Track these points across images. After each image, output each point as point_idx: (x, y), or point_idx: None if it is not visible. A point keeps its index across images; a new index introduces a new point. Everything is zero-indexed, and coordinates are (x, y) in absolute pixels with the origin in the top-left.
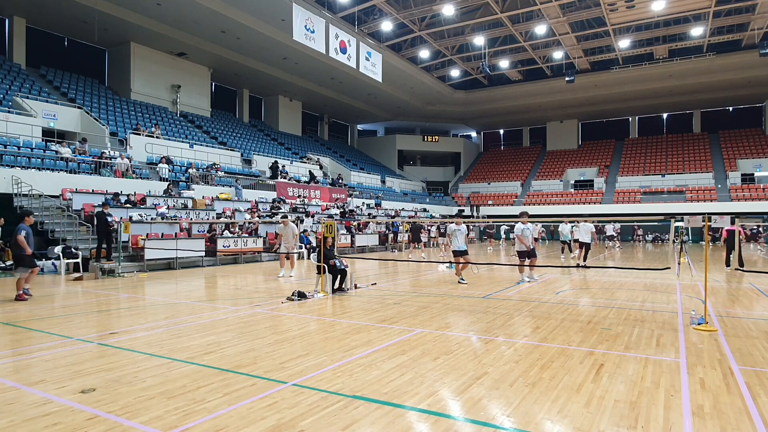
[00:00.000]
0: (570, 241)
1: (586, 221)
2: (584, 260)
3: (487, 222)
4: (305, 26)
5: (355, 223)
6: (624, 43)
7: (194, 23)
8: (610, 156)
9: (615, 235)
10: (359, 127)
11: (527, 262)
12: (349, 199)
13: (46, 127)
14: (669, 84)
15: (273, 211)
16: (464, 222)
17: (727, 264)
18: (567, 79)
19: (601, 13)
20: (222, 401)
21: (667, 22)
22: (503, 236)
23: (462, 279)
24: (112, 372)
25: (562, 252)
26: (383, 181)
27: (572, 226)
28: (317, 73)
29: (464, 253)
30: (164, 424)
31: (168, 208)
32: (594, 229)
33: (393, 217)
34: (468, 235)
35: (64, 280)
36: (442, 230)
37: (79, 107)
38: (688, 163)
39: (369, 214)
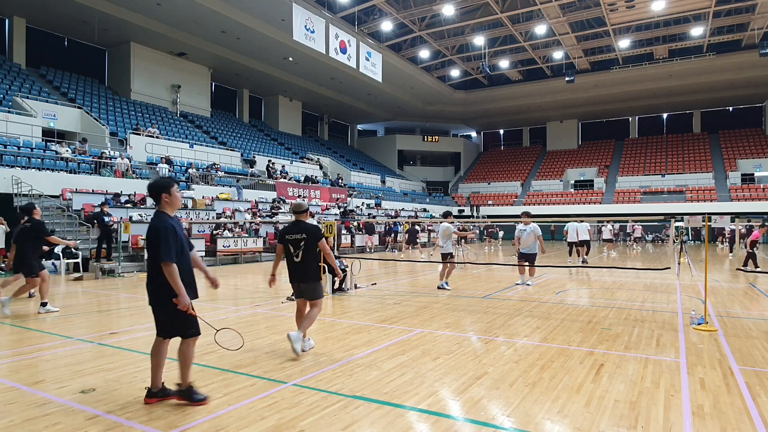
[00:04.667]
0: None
1: (582, 221)
2: (587, 254)
3: (487, 222)
4: (305, 26)
5: (355, 223)
6: (624, 43)
7: (194, 23)
8: (610, 156)
9: (641, 235)
10: (359, 127)
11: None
12: (349, 199)
13: (46, 127)
14: (669, 84)
15: (273, 211)
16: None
17: (745, 264)
18: (567, 79)
19: (601, 13)
20: (222, 401)
21: (667, 22)
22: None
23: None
24: (112, 372)
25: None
26: (383, 181)
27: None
28: (317, 73)
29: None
30: (164, 424)
31: None
32: (590, 228)
33: (394, 217)
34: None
35: (64, 280)
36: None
37: (79, 107)
38: (688, 163)
39: (369, 215)
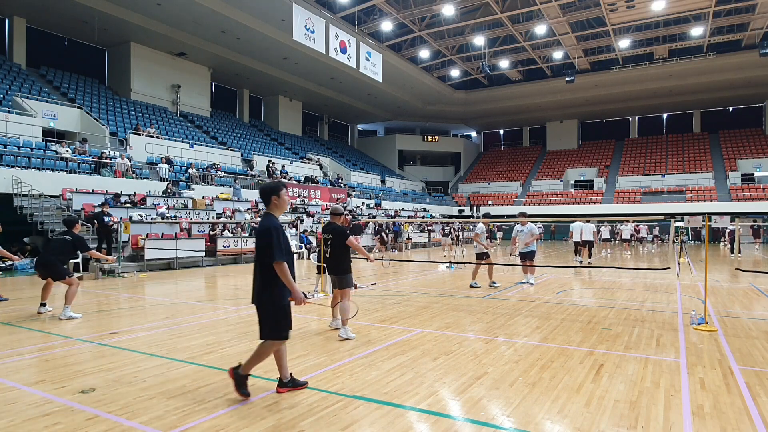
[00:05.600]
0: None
1: (588, 221)
2: (589, 256)
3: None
4: (305, 26)
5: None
6: (624, 43)
7: (194, 23)
8: (610, 156)
9: (645, 235)
10: (359, 127)
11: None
12: (349, 199)
13: (46, 127)
14: (669, 84)
15: None
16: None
17: None
18: (567, 79)
19: (601, 13)
20: (222, 401)
21: (667, 22)
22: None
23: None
24: (112, 372)
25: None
26: (383, 181)
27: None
28: (317, 73)
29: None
30: (164, 424)
31: (168, 208)
32: (594, 229)
33: (393, 217)
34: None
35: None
36: (446, 231)
37: (79, 107)
38: (688, 163)
39: (369, 214)
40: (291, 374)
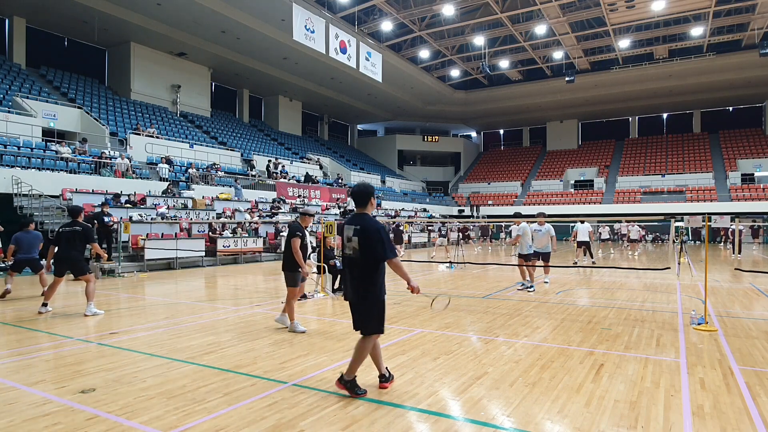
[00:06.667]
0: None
1: (583, 222)
2: (584, 256)
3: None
4: (305, 26)
5: None
6: (624, 43)
7: (194, 23)
8: (610, 156)
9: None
10: (359, 127)
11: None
12: (349, 199)
13: (46, 127)
14: (669, 84)
15: (273, 211)
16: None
17: None
18: (567, 79)
19: (601, 13)
20: (222, 401)
21: (667, 22)
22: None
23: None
24: (112, 372)
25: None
26: (383, 181)
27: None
28: (317, 73)
29: None
30: (164, 424)
31: (168, 208)
32: (591, 229)
33: (393, 217)
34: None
35: (64, 280)
36: (443, 232)
37: (79, 107)
38: (688, 163)
39: None
40: (387, 368)
